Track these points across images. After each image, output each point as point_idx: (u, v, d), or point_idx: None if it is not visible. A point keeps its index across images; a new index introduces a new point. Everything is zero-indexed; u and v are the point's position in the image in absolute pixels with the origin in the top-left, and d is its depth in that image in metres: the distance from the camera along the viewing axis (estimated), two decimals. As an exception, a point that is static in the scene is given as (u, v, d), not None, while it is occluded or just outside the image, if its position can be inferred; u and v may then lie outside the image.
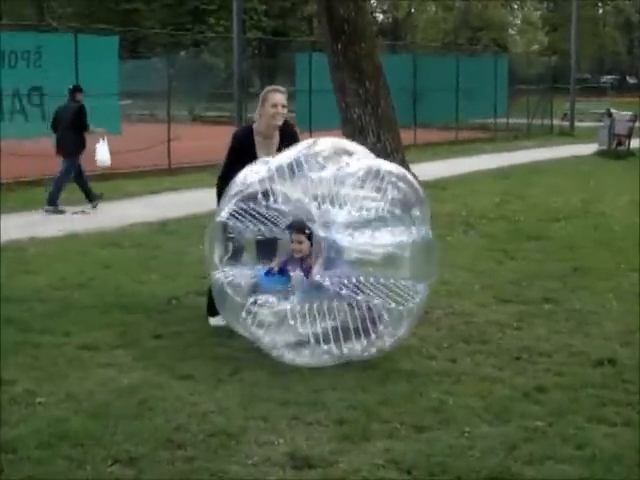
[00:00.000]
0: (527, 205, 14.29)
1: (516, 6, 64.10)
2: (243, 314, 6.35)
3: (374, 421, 5.29)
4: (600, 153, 24.47)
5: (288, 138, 7.27)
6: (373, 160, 6.67)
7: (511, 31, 58.93)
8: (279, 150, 7.11)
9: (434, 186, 16.43)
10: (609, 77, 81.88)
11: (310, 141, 6.73)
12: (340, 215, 6.27)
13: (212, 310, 7.20)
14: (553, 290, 8.60)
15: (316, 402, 5.58)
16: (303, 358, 6.23)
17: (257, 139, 7.25)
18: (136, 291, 8.60)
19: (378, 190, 6.31)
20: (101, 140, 15.73)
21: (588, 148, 25.41)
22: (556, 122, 35.40)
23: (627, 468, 4.68)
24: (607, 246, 10.91)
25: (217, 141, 18.68)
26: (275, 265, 6.65)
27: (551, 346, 6.83)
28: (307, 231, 6.47)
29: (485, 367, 6.28)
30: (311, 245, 6.51)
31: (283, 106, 7.21)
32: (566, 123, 35.58)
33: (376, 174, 6.33)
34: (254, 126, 7.30)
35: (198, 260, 10.03)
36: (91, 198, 14.80)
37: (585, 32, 65.65)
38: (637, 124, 25.51)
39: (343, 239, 6.27)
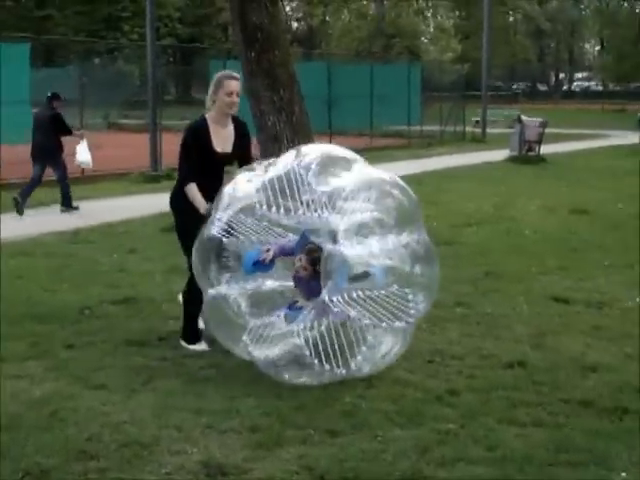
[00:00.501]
0: (440, 211, 14.45)
1: (429, 14, 64.91)
2: (244, 336, 6.18)
3: (288, 427, 5.30)
4: (511, 159, 24.86)
5: (243, 140, 7.09)
6: (364, 169, 6.32)
7: (424, 39, 59.60)
8: (235, 148, 6.98)
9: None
10: (520, 84, 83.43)
11: (297, 151, 6.34)
12: (342, 224, 5.98)
13: (193, 337, 6.99)
14: (465, 294, 8.72)
15: (230, 410, 5.57)
16: (302, 378, 6.05)
17: (212, 128, 6.92)
18: (48, 301, 8.47)
19: (373, 200, 6.08)
20: (81, 142, 16.26)
21: (500, 154, 25.81)
22: (468, 129, 35.90)
23: (538, 468, 4.77)
24: (518, 250, 11.10)
25: (132, 149, 18.52)
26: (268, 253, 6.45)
27: (463, 349, 6.91)
28: (316, 255, 6.20)
29: (398, 370, 6.32)
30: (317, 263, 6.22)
31: (237, 94, 6.94)
32: (478, 130, 36.08)
33: (369, 185, 6.10)
34: (207, 115, 6.97)
35: (111, 269, 9.99)
36: (66, 204, 15.25)
37: (497, 40, 66.75)
38: (547, 130, 25.99)
39: (349, 250, 5.96)
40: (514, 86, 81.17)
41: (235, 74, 7.05)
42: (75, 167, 16.81)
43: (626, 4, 59.91)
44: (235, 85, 6.93)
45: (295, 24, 76.65)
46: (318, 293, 5.99)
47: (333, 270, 5.92)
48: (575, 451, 4.96)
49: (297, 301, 6.41)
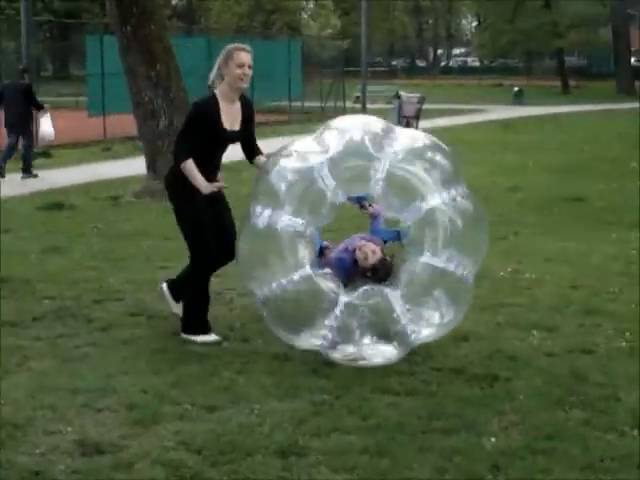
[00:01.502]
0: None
1: (309, -10, 64.94)
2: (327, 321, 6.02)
3: (165, 404, 5.29)
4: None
5: (250, 118, 6.78)
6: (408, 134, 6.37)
7: (304, 15, 59.62)
8: (242, 126, 6.65)
9: (231, 169, 16.45)
10: (400, 60, 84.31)
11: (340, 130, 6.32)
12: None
13: (203, 327, 6.64)
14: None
15: (106, 388, 5.53)
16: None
17: (222, 105, 6.51)
18: None
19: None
20: (45, 115, 17.11)
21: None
22: (349, 104, 36.14)
23: (410, 435, 4.87)
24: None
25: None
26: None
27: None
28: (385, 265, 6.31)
29: (276, 345, 6.35)
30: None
31: (250, 67, 6.50)
32: (358, 105, 36.38)
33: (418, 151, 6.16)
34: (217, 91, 6.53)
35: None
36: (28, 171, 16.38)
37: (376, 16, 67.32)
38: (425, 106, 26.33)
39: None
40: (393, 62, 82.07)
41: (246, 46, 6.67)
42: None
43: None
44: (246, 57, 6.50)
45: (175, -1, 75.74)
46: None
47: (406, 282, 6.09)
48: (446, 418, 5.10)
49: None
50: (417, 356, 6.15)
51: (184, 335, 6.63)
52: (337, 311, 5.98)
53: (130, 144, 21.63)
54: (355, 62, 45.29)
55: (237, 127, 6.64)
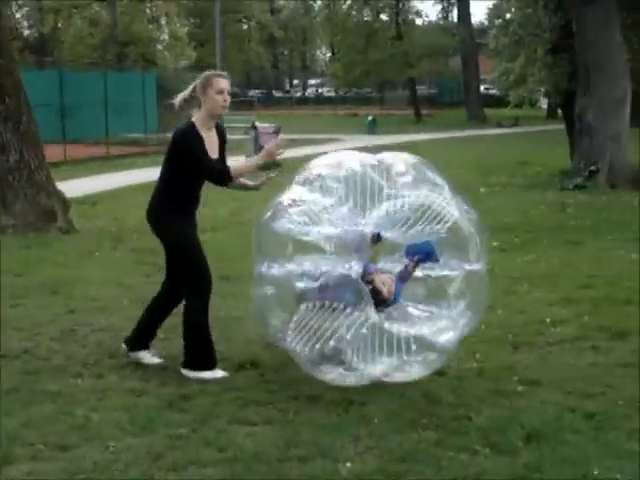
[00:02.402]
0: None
1: (164, 22, 64.64)
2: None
3: (17, 445, 5.16)
4: (247, 165, 25.17)
5: (224, 145, 6.68)
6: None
7: (159, 46, 59.29)
8: (220, 154, 6.56)
9: (84, 202, 16.28)
10: (256, 91, 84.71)
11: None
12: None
13: (210, 361, 6.50)
14: (201, 300, 8.76)
15: (-46, 432, 5.36)
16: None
17: (202, 134, 6.41)
18: None
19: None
20: None
21: (238, 160, 26.01)
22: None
23: (267, 465, 4.89)
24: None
25: None
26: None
27: (197, 354, 6.95)
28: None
29: (131, 380, 6.30)
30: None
31: (229, 93, 6.49)
32: (216, 136, 36.26)
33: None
34: (194, 119, 6.43)
35: None
36: None
37: (231, 48, 67.62)
38: (282, 136, 26.51)
39: None
40: (250, 93, 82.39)
41: (224, 72, 6.68)
42: None
43: (354, 12, 62.04)
44: (226, 83, 6.46)
45: (27, 31, 74.22)
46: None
47: None
48: (303, 445, 5.13)
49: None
50: (274, 385, 6.19)
51: (189, 372, 6.46)
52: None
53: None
54: (211, 93, 45.08)
55: (216, 155, 6.57)
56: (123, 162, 26.56)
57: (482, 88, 63.17)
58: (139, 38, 54.86)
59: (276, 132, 26.02)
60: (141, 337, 6.83)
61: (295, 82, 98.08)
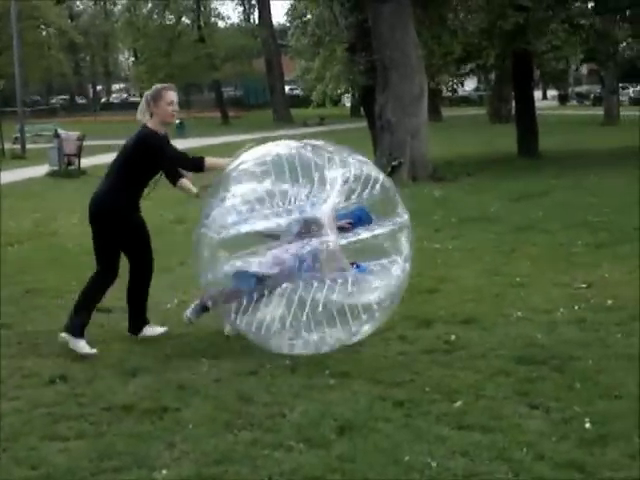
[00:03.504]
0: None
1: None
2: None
3: None
4: (52, 174, 24.62)
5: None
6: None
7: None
8: None
9: None
10: (59, 98, 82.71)
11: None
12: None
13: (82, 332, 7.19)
14: (7, 315, 8.50)
15: None
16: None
17: None
18: None
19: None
20: None
21: (41, 169, 25.46)
22: (8, 146, 34.93)
23: (80, 479, 4.80)
24: (60, 265, 11.02)
25: None
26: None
27: (4, 371, 6.73)
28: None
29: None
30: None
31: (177, 104, 7.26)
32: (18, 146, 35.24)
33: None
34: (150, 126, 7.27)
35: None
36: None
37: (31, 55, 65.51)
38: (86, 143, 26.06)
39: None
40: (52, 100, 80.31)
41: (172, 85, 7.43)
42: None
43: (156, 16, 61.35)
44: (175, 95, 7.22)
45: None
46: None
47: None
48: (117, 457, 5.06)
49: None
50: (85, 398, 6.07)
51: (66, 335, 7.09)
52: None
53: None
54: (12, 102, 43.77)
55: None
56: None
57: (287, 89, 63.82)
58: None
59: (80, 139, 25.53)
60: (137, 319, 7.57)
61: (98, 88, 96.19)
